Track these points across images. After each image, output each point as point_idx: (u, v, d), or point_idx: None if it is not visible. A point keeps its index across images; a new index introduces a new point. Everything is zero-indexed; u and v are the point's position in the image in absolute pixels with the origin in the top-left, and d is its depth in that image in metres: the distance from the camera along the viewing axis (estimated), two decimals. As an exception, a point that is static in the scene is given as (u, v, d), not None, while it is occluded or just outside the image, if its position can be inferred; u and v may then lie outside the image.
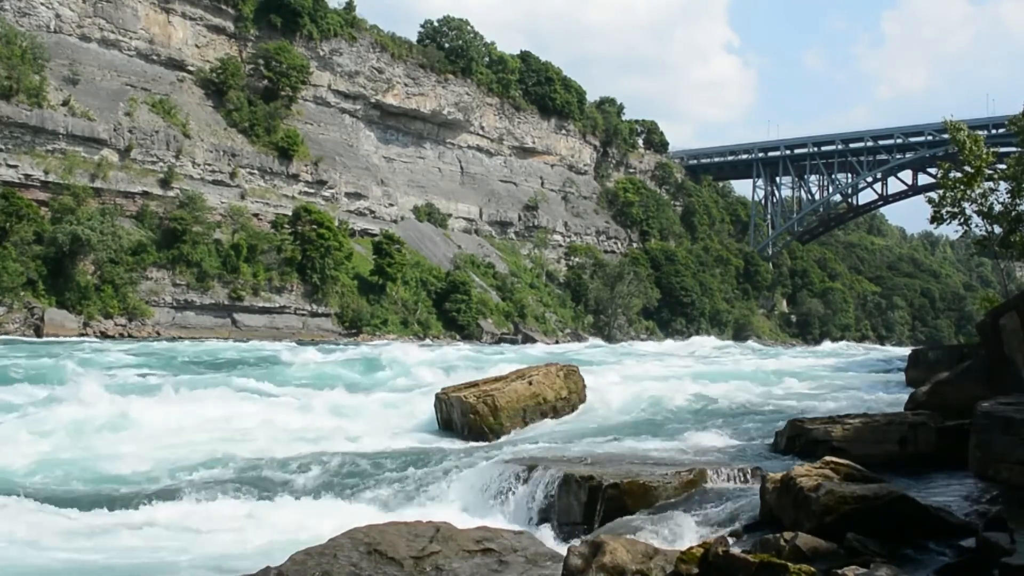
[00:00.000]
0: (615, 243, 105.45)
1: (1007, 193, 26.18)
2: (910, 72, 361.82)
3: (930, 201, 27.59)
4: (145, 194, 61.41)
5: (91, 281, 54.06)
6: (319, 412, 18.46)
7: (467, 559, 7.95)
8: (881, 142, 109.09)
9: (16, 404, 17.35)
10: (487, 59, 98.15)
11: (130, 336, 52.68)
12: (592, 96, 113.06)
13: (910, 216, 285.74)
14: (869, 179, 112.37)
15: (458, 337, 73.07)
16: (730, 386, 22.46)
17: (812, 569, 6.12)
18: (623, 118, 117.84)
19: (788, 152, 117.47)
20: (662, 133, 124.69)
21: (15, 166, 54.55)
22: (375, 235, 76.83)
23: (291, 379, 24.98)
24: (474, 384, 16.39)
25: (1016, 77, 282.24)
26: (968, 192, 25.51)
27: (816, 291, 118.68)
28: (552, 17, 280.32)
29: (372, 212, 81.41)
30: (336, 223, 71.56)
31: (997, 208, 26.06)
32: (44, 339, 45.74)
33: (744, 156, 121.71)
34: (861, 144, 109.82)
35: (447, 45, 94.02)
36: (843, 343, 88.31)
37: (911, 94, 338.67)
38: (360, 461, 12.76)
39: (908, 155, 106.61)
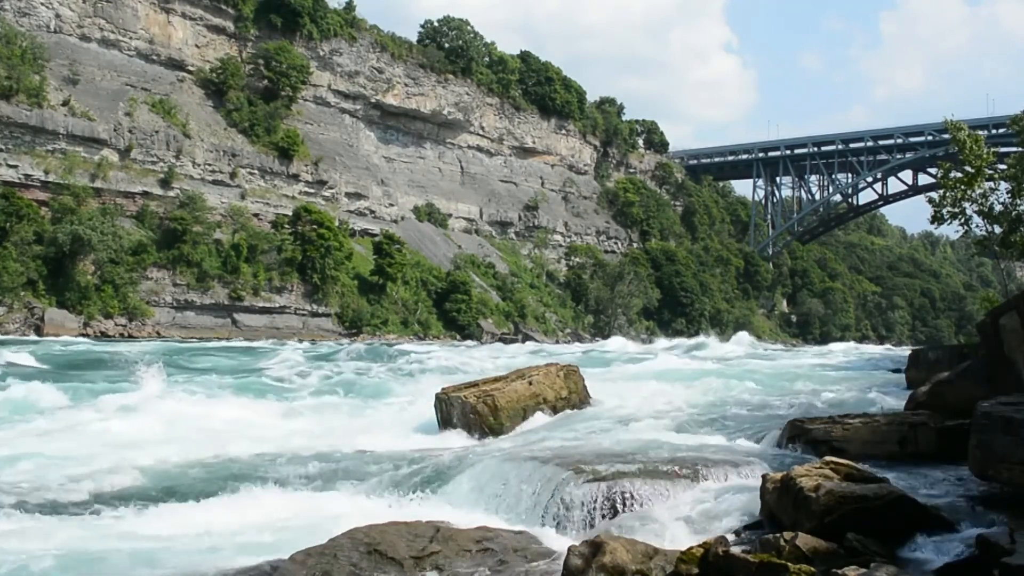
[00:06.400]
0: (615, 243, 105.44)
1: (1007, 193, 26.13)
2: (907, 72, 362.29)
3: (930, 201, 27.53)
4: (145, 194, 61.42)
5: (91, 281, 54.06)
6: (317, 412, 18.48)
7: (467, 559, 7.95)
8: (881, 142, 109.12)
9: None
10: (487, 59, 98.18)
11: (130, 336, 52.68)
12: (591, 96, 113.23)
13: (910, 216, 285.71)
14: (869, 179, 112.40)
15: (458, 337, 73.04)
16: (730, 386, 22.45)
17: (812, 569, 6.13)
18: (623, 118, 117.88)
19: (788, 152, 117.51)
20: (662, 133, 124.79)
21: (15, 166, 54.57)
22: (375, 235, 76.85)
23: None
24: (474, 384, 16.38)
25: (1014, 76, 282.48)
26: (968, 192, 25.44)
27: (816, 291, 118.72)
28: (549, 17, 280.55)
29: (372, 212, 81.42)
30: (336, 223, 71.58)
31: (997, 208, 26.01)
32: (44, 338, 45.73)
33: (744, 156, 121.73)
34: (861, 144, 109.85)
35: (447, 45, 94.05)
36: (851, 343, 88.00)
37: (908, 94, 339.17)
38: (359, 461, 12.76)
39: (908, 155, 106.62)
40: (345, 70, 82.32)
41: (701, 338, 67.99)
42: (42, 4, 61.95)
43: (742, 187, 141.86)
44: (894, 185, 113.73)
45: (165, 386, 20.01)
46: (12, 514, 9.81)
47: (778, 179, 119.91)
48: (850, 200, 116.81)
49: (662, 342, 68.65)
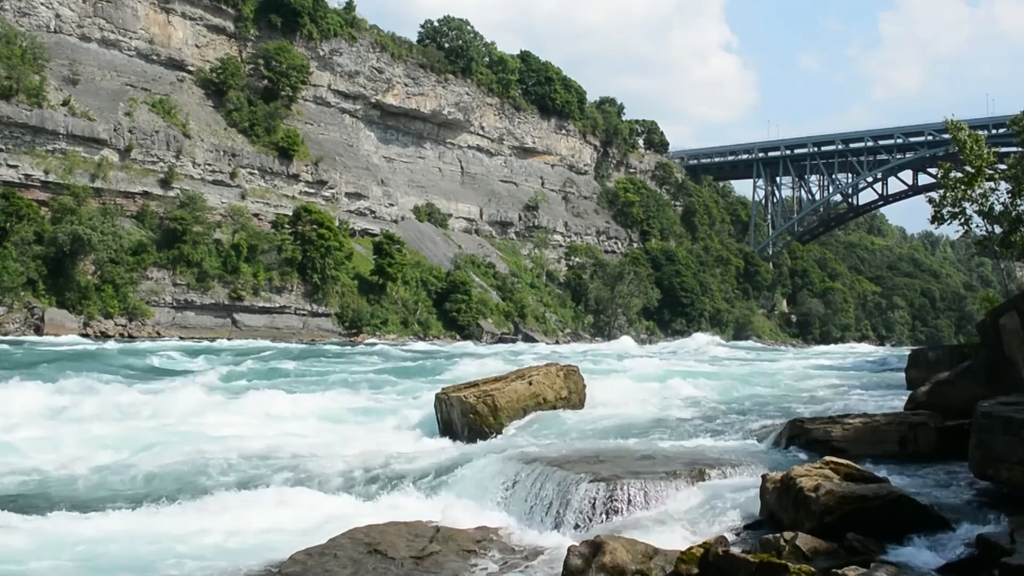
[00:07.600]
0: (615, 243, 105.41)
1: (1007, 193, 26.17)
2: (905, 73, 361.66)
3: (930, 201, 27.55)
4: (145, 194, 61.37)
5: (91, 281, 54.04)
6: (318, 412, 18.48)
7: (466, 559, 7.96)
8: (881, 142, 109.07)
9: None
10: (487, 59, 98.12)
11: (130, 336, 52.66)
12: (591, 96, 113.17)
13: (910, 216, 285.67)
14: (869, 179, 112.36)
15: (458, 337, 73.06)
16: (730, 386, 22.46)
17: (812, 569, 6.13)
18: (623, 118, 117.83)
19: (788, 152, 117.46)
20: (662, 133, 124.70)
21: (15, 166, 54.52)
22: (375, 235, 76.83)
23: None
24: (474, 384, 16.38)
25: (1013, 76, 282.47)
26: (968, 192, 25.46)
27: (816, 291, 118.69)
28: (548, 18, 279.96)
29: (372, 212, 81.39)
30: (336, 223, 71.54)
31: (997, 208, 26.04)
32: (44, 338, 45.71)
33: (744, 156, 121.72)
34: (861, 144, 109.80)
35: (447, 45, 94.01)
36: (835, 345, 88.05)
37: (908, 94, 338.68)
38: (360, 461, 12.75)
39: (908, 155, 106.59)
40: (345, 70, 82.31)
41: (683, 340, 68.05)
42: (42, 4, 61.92)
43: (742, 187, 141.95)
44: (894, 185, 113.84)
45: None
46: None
47: (778, 179, 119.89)
48: (850, 200, 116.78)
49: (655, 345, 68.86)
